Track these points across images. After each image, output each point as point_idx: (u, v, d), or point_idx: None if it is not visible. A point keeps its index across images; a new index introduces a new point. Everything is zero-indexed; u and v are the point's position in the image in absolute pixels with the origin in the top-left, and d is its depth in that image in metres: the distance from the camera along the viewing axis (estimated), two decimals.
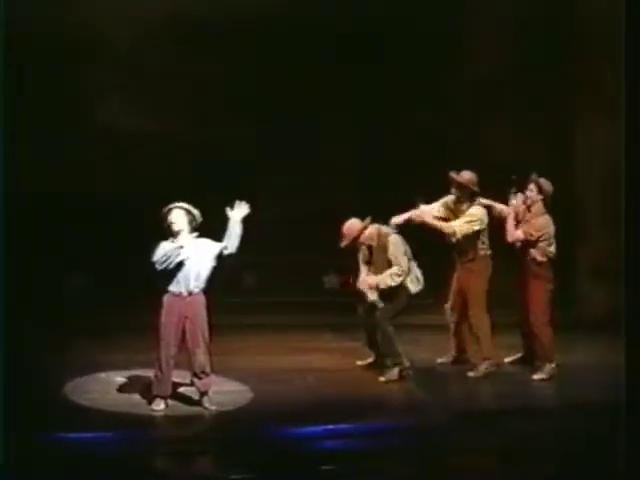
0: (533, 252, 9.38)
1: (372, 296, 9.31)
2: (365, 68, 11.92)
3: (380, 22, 11.79)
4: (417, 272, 9.39)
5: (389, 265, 9.30)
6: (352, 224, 9.35)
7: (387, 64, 11.95)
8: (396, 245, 9.32)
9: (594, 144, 11.73)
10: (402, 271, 9.24)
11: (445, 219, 9.57)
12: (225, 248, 8.17)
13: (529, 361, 9.69)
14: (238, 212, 8.19)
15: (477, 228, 9.43)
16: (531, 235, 9.37)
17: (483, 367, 9.50)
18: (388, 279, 9.25)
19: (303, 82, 11.90)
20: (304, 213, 11.74)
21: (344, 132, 12.16)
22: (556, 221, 9.51)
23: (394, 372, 9.32)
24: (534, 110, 11.86)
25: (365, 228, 9.36)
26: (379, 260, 9.39)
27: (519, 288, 9.50)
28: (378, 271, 9.37)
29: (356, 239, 9.35)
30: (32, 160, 11.04)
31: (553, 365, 9.41)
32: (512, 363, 9.78)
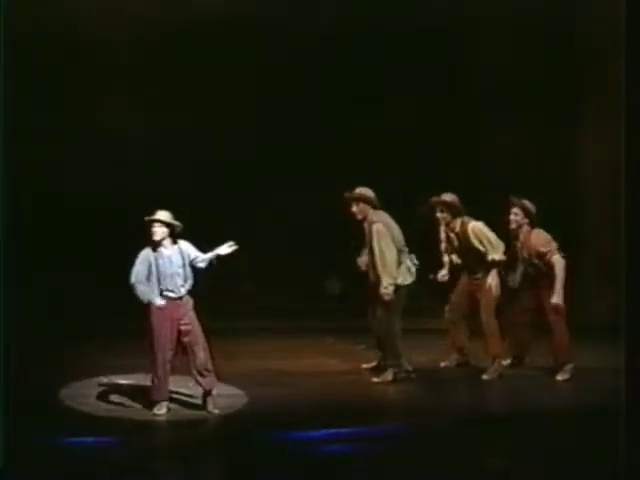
0: (552, 262, 9.41)
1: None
2: (365, 68, 11.91)
3: (380, 22, 11.78)
4: (408, 263, 9.20)
5: (372, 254, 9.13)
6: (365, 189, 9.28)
7: (387, 64, 11.93)
8: (380, 235, 9.13)
9: (596, 148, 11.72)
10: (388, 283, 9.06)
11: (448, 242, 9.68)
12: (201, 261, 8.24)
13: (519, 363, 9.80)
14: (224, 249, 8.23)
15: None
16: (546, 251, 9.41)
17: (494, 368, 9.52)
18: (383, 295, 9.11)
19: (303, 82, 11.89)
20: (304, 216, 11.73)
21: (344, 132, 12.14)
22: (557, 226, 9.55)
23: (388, 374, 9.29)
24: (535, 114, 11.84)
25: (366, 201, 9.20)
26: (369, 247, 9.23)
27: (534, 290, 9.52)
28: (368, 257, 9.22)
29: (356, 200, 9.21)
30: (33, 160, 11.05)
31: (572, 365, 9.50)
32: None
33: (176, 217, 8.32)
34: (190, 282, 8.29)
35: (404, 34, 11.70)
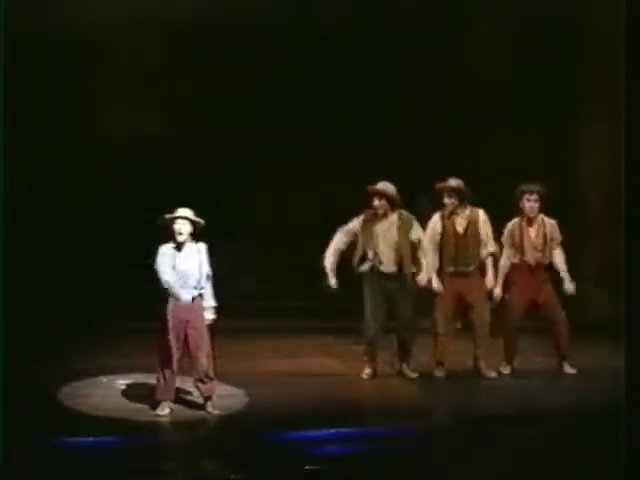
0: (550, 255, 9.52)
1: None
2: (365, 68, 11.92)
3: (380, 21, 11.79)
4: None
5: (401, 245, 9.24)
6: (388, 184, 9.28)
7: (387, 64, 11.95)
8: (420, 229, 9.31)
9: (596, 148, 11.74)
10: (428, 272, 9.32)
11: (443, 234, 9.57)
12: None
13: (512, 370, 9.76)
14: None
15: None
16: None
17: (492, 373, 9.54)
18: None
19: (302, 82, 11.90)
20: (304, 215, 11.73)
21: (344, 132, 12.15)
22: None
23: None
24: (534, 114, 11.85)
25: (389, 198, 9.21)
26: (398, 239, 9.29)
27: (528, 291, 9.54)
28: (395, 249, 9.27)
29: (380, 194, 9.20)
30: (33, 160, 11.06)
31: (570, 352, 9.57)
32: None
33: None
34: (204, 287, 8.19)
35: (404, 34, 11.72)
